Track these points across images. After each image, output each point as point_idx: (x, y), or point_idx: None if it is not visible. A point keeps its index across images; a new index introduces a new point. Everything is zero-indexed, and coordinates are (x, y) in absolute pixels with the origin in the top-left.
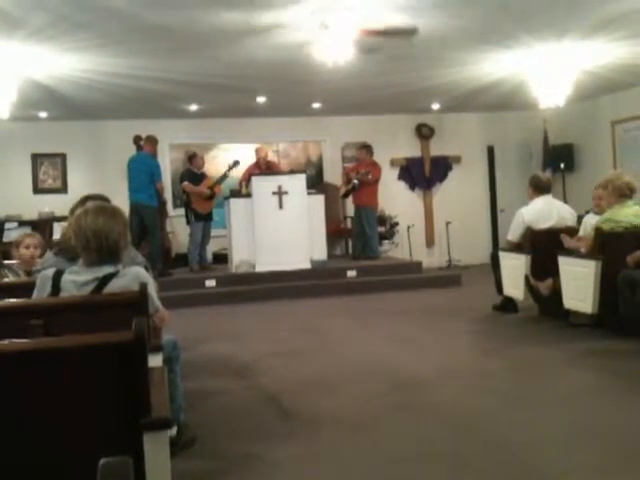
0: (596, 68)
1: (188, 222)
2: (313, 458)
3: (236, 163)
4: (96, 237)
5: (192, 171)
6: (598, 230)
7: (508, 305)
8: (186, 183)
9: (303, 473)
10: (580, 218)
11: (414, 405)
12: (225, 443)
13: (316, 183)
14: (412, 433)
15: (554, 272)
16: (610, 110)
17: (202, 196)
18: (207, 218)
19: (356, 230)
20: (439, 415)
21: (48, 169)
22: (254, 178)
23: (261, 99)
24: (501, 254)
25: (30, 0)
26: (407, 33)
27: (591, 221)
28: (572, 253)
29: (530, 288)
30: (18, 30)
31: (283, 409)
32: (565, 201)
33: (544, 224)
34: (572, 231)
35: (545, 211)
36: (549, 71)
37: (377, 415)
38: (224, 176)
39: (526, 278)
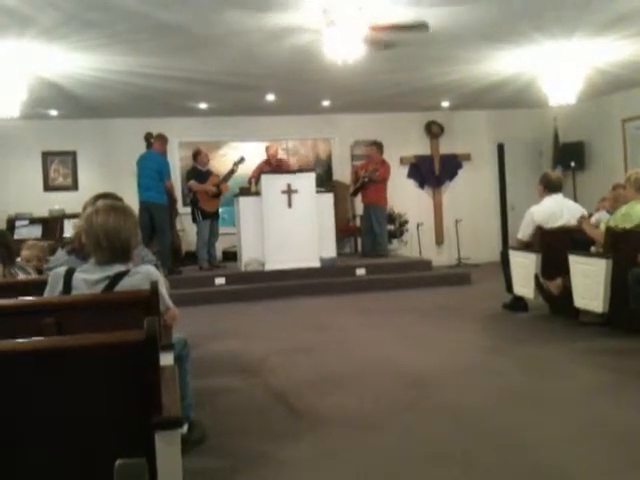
0: (607, 65)
1: (195, 220)
2: (322, 457)
3: (241, 160)
4: (107, 236)
5: (197, 168)
6: (609, 229)
7: (518, 304)
8: (193, 182)
9: (311, 472)
10: (590, 217)
11: (423, 404)
12: (234, 441)
13: (325, 181)
14: (421, 432)
15: (564, 271)
16: (621, 108)
17: (208, 194)
18: (214, 216)
19: (365, 228)
20: (448, 414)
21: (59, 167)
22: (263, 176)
23: (270, 97)
24: (511, 252)
25: None
26: (418, 28)
27: (606, 219)
28: (582, 251)
29: (540, 287)
30: (28, 29)
31: (292, 407)
32: (575, 199)
33: (554, 223)
34: (582, 231)
35: (555, 210)
36: (559, 68)
37: (386, 414)
38: (231, 172)
39: (536, 277)
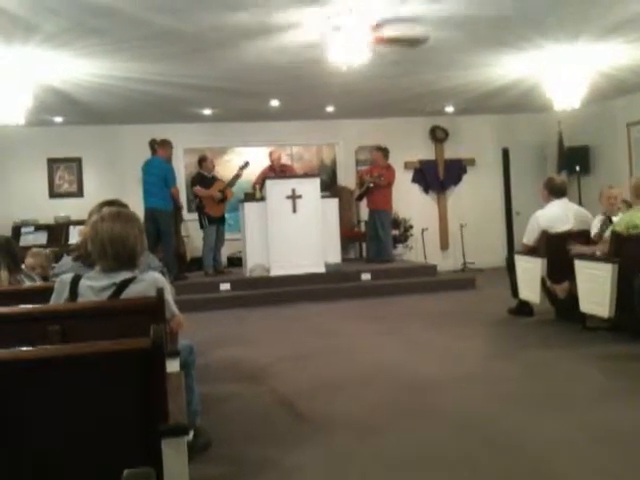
0: (611, 69)
1: (202, 226)
2: (327, 462)
3: (246, 164)
4: (113, 243)
5: (203, 174)
6: (615, 233)
7: (523, 309)
8: (198, 187)
9: (316, 477)
10: None
11: (428, 409)
12: (240, 447)
13: (330, 186)
14: (426, 437)
15: (570, 275)
16: (625, 112)
17: (214, 200)
18: (220, 221)
19: (370, 233)
20: (452, 418)
21: (64, 174)
22: (268, 182)
23: (275, 103)
24: (516, 257)
25: (45, 6)
26: (419, 42)
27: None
28: (589, 256)
29: (546, 291)
30: (33, 35)
31: (297, 413)
32: (581, 204)
33: (560, 227)
34: (587, 234)
35: (560, 215)
36: (563, 73)
37: (391, 419)
38: (235, 177)
39: (542, 281)
